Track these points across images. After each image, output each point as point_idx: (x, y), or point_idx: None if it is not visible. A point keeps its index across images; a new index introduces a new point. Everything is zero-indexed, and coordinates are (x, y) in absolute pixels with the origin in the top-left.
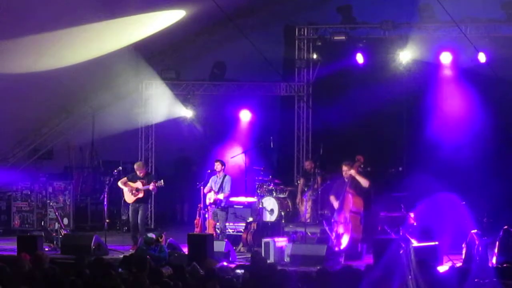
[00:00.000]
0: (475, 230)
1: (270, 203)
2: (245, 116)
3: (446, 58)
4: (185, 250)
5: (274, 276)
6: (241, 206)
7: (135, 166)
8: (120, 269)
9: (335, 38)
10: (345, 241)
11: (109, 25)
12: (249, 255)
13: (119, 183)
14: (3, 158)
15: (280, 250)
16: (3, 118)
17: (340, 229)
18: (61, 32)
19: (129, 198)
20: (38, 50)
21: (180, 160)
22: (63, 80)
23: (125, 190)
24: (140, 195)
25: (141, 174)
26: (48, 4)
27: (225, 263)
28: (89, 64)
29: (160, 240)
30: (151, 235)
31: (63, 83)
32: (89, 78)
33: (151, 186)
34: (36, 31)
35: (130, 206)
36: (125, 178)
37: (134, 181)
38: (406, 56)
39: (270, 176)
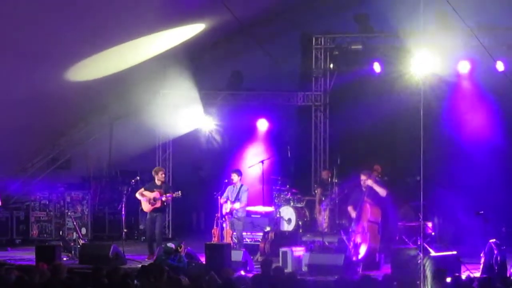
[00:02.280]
0: (494, 240)
1: (287, 213)
2: (262, 125)
3: (463, 67)
4: (203, 259)
5: (293, 285)
6: (259, 216)
7: (153, 172)
8: (136, 281)
9: (352, 47)
10: (362, 250)
11: (132, 44)
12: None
13: (137, 195)
14: (21, 168)
15: (298, 260)
16: (22, 128)
17: (358, 239)
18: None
19: (146, 207)
20: (59, 64)
21: (197, 169)
22: (81, 90)
23: (142, 200)
24: (157, 205)
25: (159, 182)
26: (68, 21)
27: (242, 273)
28: (107, 75)
29: (179, 250)
30: (171, 244)
31: (81, 93)
32: (107, 88)
33: (164, 198)
34: (55, 44)
35: (147, 216)
36: (142, 189)
37: (152, 191)
38: (423, 64)
39: (288, 186)
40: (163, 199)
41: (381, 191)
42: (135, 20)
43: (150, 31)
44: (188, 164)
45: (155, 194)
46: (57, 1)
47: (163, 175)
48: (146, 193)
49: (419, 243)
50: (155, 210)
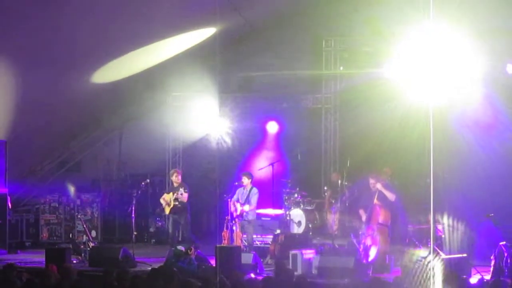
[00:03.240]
0: (504, 242)
1: (297, 215)
2: (272, 128)
3: (475, 69)
4: (212, 262)
5: None
6: (269, 218)
7: (170, 175)
8: None
9: (363, 49)
10: (373, 253)
11: (145, 49)
12: (273, 267)
13: (160, 200)
14: (31, 171)
15: (308, 262)
16: (32, 131)
17: (368, 241)
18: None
19: (166, 210)
20: (72, 67)
21: (207, 172)
22: (92, 94)
23: (163, 204)
24: (172, 204)
25: (176, 183)
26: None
27: (252, 275)
28: (119, 79)
29: (189, 252)
30: (181, 247)
31: (92, 96)
32: (117, 91)
33: (175, 195)
34: (73, 49)
35: (169, 217)
36: (164, 194)
37: (169, 193)
38: (433, 66)
39: (297, 188)
40: (175, 196)
41: (390, 196)
42: (147, 26)
43: (162, 36)
44: (199, 166)
45: (170, 195)
46: (75, 8)
47: (177, 176)
48: (165, 196)
49: (429, 245)
50: (174, 212)
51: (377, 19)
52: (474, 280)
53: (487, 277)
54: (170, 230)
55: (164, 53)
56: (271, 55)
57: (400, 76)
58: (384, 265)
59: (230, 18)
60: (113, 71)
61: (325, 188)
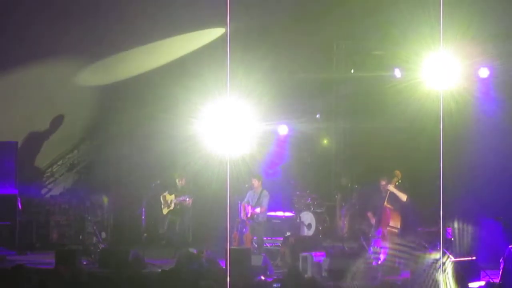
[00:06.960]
0: None
1: (307, 218)
2: (282, 130)
3: (483, 73)
4: (223, 264)
5: None
6: (279, 221)
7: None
8: None
9: (374, 52)
10: (382, 256)
11: (149, 47)
12: (287, 270)
13: (161, 198)
14: (42, 172)
15: (318, 265)
16: (43, 132)
17: (378, 244)
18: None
19: (164, 210)
20: (78, 67)
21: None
22: (100, 95)
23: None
24: (171, 207)
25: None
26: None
27: (262, 278)
28: (125, 79)
29: (201, 255)
30: (192, 250)
31: (101, 98)
32: (126, 92)
33: (177, 200)
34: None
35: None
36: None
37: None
38: (443, 70)
39: (308, 191)
40: (176, 201)
41: (402, 196)
42: (151, 23)
43: (168, 34)
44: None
45: (172, 197)
46: (81, 8)
47: (180, 181)
48: (167, 196)
49: (438, 248)
50: (172, 213)
51: (388, 22)
52: (482, 283)
53: (497, 280)
54: (167, 232)
55: (171, 54)
56: (281, 57)
57: (411, 80)
58: (393, 268)
59: (240, 20)
60: (118, 70)
61: (336, 191)
